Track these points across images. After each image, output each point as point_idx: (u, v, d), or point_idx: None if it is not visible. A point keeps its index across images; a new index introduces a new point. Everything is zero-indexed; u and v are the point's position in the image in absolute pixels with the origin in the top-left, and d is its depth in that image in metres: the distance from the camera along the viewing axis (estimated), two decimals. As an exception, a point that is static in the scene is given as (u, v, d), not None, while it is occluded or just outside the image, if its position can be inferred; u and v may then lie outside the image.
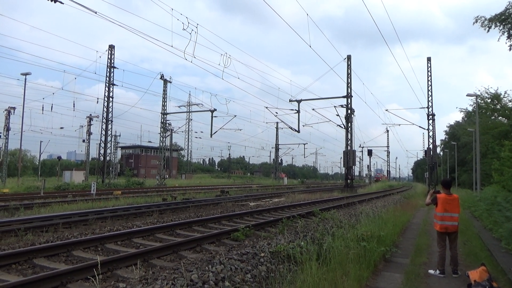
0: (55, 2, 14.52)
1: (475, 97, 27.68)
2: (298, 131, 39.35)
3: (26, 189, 32.23)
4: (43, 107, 39.43)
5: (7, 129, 42.98)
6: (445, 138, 75.09)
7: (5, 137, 43.40)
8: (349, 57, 38.69)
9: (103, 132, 39.26)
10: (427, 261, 8.00)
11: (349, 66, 38.42)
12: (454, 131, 65.10)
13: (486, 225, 13.23)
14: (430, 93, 41.10)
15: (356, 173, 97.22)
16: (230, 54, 22.91)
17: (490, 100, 32.43)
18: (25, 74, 34.79)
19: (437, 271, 6.98)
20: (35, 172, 68.68)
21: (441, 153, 71.71)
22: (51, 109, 39.69)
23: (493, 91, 32.10)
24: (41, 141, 49.50)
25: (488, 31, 17.20)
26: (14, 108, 43.06)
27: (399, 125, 67.21)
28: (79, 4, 14.77)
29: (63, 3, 14.69)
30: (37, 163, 67.79)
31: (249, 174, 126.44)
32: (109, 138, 40.25)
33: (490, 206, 14.63)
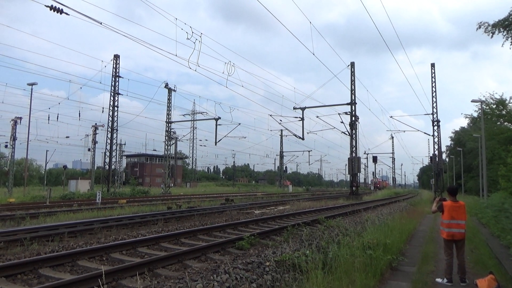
0: (61, 13, 14.72)
1: (480, 103, 27.56)
2: (303, 139, 39.38)
3: (32, 198, 32.37)
4: (49, 117, 39.83)
5: (14, 138, 43.28)
6: (451, 144, 74.68)
7: (11, 147, 43.70)
8: (352, 64, 38.77)
9: (108, 141, 39.48)
10: (434, 270, 7.91)
11: (352, 73, 38.49)
12: (459, 137, 64.73)
13: (493, 232, 13.08)
14: (434, 99, 41.01)
15: (362, 180, 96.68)
16: (233, 62, 23.05)
17: (495, 106, 32.26)
18: (31, 84, 35.18)
19: (445, 280, 6.89)
20: (41, 181, 69.09)
21: (447, 159, 71.26)
22: (57, 118, 40.13)
23: (498, 97, 31.96)
24: (47, 151, 49.82)
25: (492, 36, 17.18)
26: (20, 118, 43.39)
27: (404, 131, 66.95)
28: (84, 15, 14.97)
29: (69, 14, 14.89)
30: (43, 172, 68.17)
31: (253, 182, 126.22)
32: (114, 147, 40.44)
33: (498, 213, 14.47)
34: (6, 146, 47.10)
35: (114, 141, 40.13)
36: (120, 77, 39.21)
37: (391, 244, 8.52)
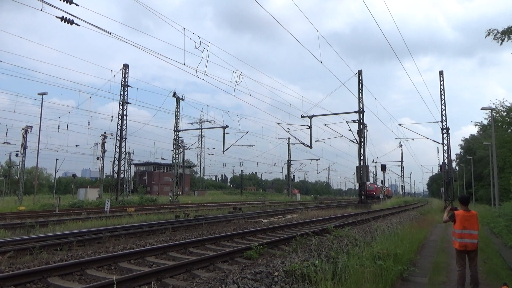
0: (71, 24, 14.96)
1: (490, 110, 27.26)
2: (311, 147, 39.22)
3: (42, 206, 32.63)
4: (59, 126, 40.34)
5: (24, 147, 43.83)
6: (461, 152, 73.93)
7: (22, 156, 44.25)
8: (360, 72, 38.71)
9: (117, 150, 39.78)
10: (446, 281, 7.76)
11: (360, 81, 38.42)
12: (469, 145, 64.10)
13: (506, 242, 12.83)
14: (443, 106, 40.68)
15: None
16: (240, 71, 23.16)
17: (506, 113, 31.88)
18: (42, 94, 35.65)
19: (457, 291, 6.75)
20: (50, 190, 69.76)
21: (457, 168, 70.42)
22: (67, 127, 40.57)
23: (509, 104, 31.59)
24: (56, 159, 50.51)
25: (501, 43, 17.09)
26: (31, 127, 43.99)
27: (413, 139, 66.55)
28: (94, 26, 15.19)
29: (79, 25, 15.12)
30: (53, 180, 68.83)
31: (261, 190, 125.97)
32: (123, 156, 40.74)
33: (510, 222, 14.22)
34: (17, 155, 47.78)
35: (123, 149, 40.46)
36: (129, 86, 39.68)
37: (402, 254, 8.39)
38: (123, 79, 39.42)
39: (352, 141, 39.17)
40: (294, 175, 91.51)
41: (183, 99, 46.64)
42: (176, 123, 46.59)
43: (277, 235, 13.91)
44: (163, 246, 10.10)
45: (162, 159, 71.07)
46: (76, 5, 14.62)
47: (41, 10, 14.33)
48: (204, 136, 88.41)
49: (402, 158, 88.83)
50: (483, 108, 26.18)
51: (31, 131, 43.90)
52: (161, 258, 9.34)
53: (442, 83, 41.18)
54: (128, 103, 39.75)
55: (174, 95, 45.69)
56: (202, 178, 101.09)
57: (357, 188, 41.64)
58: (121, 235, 13.27)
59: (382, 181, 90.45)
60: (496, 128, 29.31)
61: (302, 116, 38.31)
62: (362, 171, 37.53)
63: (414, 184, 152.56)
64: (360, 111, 37.60)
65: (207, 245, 11.24)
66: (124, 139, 39.80)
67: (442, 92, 40.97)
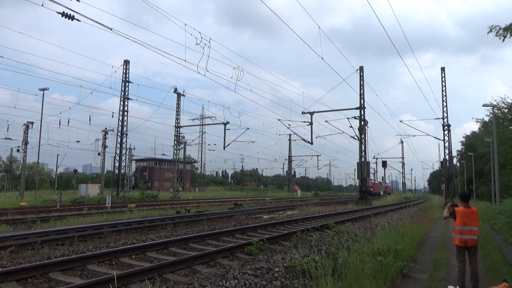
0: (72, 19, 14.93)
1: (491, 107, 27.18)
2: (311, 143, 39.21)
3: (43, 202, 32.72)
4: (60, 122, 40.26)
5: (25, 143, 43.88)
6: (462, 148, 73.82)
7: (23, 151, 44.32)
8: (361, 69, 38.58)
9: (118, 145, 39.79)
10: (447, 277, 7.78)
11: (361, 78, 38.30)
12: (470, 141, 64.01)
13: (506, 238, 12.85)
14: (445, 103, 40.57)
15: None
16: (241, 67, 23.13)
17: (507, 110, 31.79)
18: (43, 90, 35.64)
19: (457, 287, 6.77)
20: (51, 185, 69.89)
21: (458, 164, 70.34)
22: (68, 123, 40.53)
23: (510, 101, 31.48)
24: (58, 155, 50.50)
25: (504, 40, 17.01)
26: (32, 122, 44.00)
27: (414, 136, 66.17)
28: (95, 21, 15.16)
29: (80, 21, 15.09)
30: (54, 176, 68.94)
31: (262, 186, 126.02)
32: (124, 151, 40.75)
33: (511, 219, 14.23)
34: (18, 151, 47.89)
35: (124, 145, 40.45)
36: (130, 82, 39.57)
37: (402, 250, 8.41)
38: (124, 75, 39.35)
39: (353, 137, 39.15)
40: (294, 171, 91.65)
41: (184, 95, 46.64)
42: (177, 119, 46.58)
43: (277, 231, 13.93)
44: (164, 241, 10.12)
45: (163, 155, 71.22)
46: (77, 0, 14.59)
47: (42, 5, 14.30)
48: (205, 132, 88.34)
49: (403, 155, 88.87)
50: (484, 105, 26.11)
51: (32, 127, 43.95)
52: (162, 254, 9.37)
53: (443, 79, 41.04)
54: (129, 99, 39.71)
55: (175, 91, 45.67)
56: (203, 174, 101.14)
57: (357, 184, 41.63)
58: (122, 231, 13.31)
59: (382, 177, 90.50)
60: (497, 124, 29.23)
61: (303, 113, 38.26)
62: (363, 167, 37.53)
63: (415, 181, 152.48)
64: (361, 107, 37.51)
65: (208, 241, 11.27)
66: (125, 135, 39.78)
67: (444, 88, 40.85)
